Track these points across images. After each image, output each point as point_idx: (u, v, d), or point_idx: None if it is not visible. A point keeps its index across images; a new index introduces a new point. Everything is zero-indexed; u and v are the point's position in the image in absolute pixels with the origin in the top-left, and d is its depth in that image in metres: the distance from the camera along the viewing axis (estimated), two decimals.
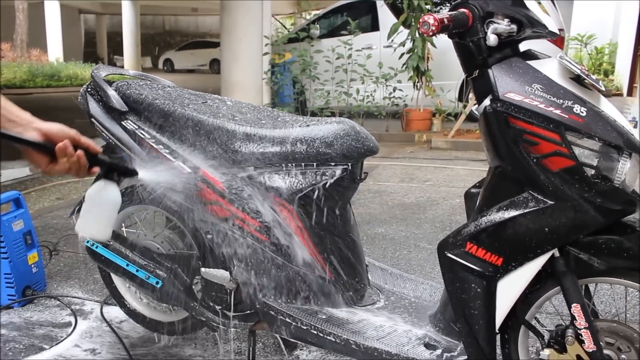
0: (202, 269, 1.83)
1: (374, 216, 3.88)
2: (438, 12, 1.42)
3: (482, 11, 1.39)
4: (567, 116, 1.33)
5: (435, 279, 1.90)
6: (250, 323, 1.86)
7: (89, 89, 1.95)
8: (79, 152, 1.16)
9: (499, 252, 1.43)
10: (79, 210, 2.13)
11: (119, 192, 1.32)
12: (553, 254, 1.43)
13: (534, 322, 1.59)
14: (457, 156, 6.14)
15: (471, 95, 6.78)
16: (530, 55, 1.47)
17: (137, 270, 1.89)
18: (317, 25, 8.91)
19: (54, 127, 1.15)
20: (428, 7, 6.78)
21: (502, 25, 1.37)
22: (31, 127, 1.14)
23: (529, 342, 1.64)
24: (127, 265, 1.91)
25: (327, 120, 1.74)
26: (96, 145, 1.21)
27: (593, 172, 1.34)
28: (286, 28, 12.00)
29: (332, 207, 1.75)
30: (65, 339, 2.25)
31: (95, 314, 2.44)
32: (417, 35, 6.76)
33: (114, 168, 1.31)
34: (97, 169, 1.23)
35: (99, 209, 1.31)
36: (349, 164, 1.68)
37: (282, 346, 2.08)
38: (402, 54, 7.05)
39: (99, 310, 2.45)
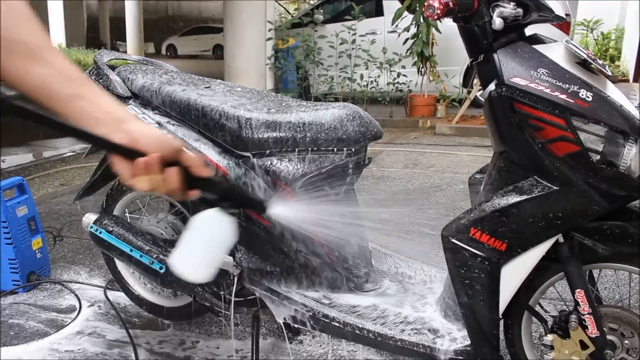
0: None
1: (378, 202, 3.87)
2: None
3: None
4: (572, 101, 1.32)
5: (439, 264, 1.90)
6: (254, 308, 1.87)
7: (92, 75, 1.95)
8: (171, 171, 0.90)
9: (503, 237, 1.42)
10: (83, 195, 2.14)
11: (233, 229, 1.03)
12: (557, 240, 1.43)
13: (537, 308, 1.59)
14: (461, 142, 6.12)
15: (476, 81, 6.75)
16: (536, 39, 1.45)
17: (140, 256, 1.89)
18: (321, 11, 8.85)
19: (147, 136, 0.90)
20: None
21: (508, 8, 1.36)
22: (120, 127, 0.89)
23: (533, 328, 1.65)
24: (131, 250, 1.91)
25: (331, 105, 1.73)
26: (205, 167, 0.95)
27: (598, 157, 1.33)
28: (290, 13, 11.94)
29: (335, 192, 1.75)
30: (69, 323, 2.26)
31: (99, 299, 2.45)
32: (421, 20, 6.70)
33: (233, 198, 1.03)
34: (196, 193, 0.96)
35: (205, 246, 1.04)
36: (353, 149, 1.68)
37: (286, 332, 2.08)
38: (407, 40, 7.01)
39: (103, 293, 2.46)
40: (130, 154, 0.88)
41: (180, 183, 0.92)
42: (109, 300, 2.40)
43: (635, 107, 1.37)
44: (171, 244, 1.93)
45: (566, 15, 1.44)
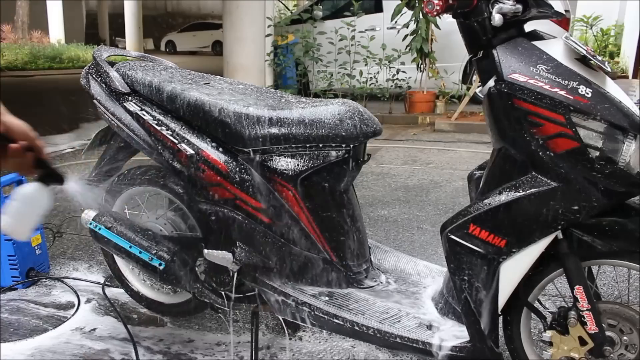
0: (205, 251, 1.83)
1: (377, 198, 3.88)
2: None
3: None
4: (572, 97, 1.32)
5: (438, 261, 1.90)
6: (254, 304, 1.87)
7: (91, 71, 1.95)
8: (30, 154, 1.13)
9: (502, 233, 1.42)
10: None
11: (50, 197, 1.29)
12: (556, 236, 1.43)
13: (536, 304, 1.59)
14: (461, 138, 6.12)
15: (475, 77, 6.74)
16: (535, 35, 1.45)
17: (140, 252, 1.89)
18: (320, 7, 8.84)
19: (18, 126, 1.10)
20: None
21: (507, 5, 1.36)
22: None
23: (532, 324, 1.65)
24: (130, 247, 1.92)
25: (330, 101, 1.73)
26: (45, 150, 1.18)
27: (598, 153, 1.33)
28: (289, 9, 11.90)
29: (335, 188, 1.75)
30: (68, 320, 2.26)
31: (98, 295, 2.45)
32: (420, 16, 6.70)
33: (51, 173, 1.29)
34: (38, 170, 1.21)
35: (29, 210, 1.29)
36: (352, 146, 1.68)
37: (285, 328, 2.08)
38: (406, 36, 7.00)
39: (101, 289, 2.46)
40: (5, 140, 1.09)
41: (32, 164, 1.16)
42: (106, 296, 2.40)
43: (635, 103, 1.37)
44: (171, 240, 1.93)
45: (565, 11, 1.44)
